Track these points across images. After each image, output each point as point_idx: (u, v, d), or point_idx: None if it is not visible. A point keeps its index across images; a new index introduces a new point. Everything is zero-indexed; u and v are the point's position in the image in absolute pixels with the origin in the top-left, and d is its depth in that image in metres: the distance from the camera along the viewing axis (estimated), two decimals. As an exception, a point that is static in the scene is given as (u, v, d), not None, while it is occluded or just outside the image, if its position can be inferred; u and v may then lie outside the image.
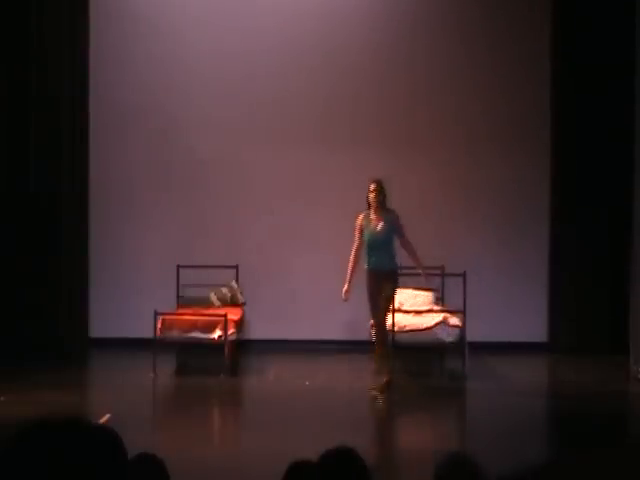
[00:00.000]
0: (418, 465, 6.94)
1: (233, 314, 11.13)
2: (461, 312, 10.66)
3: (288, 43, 12.28)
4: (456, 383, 10.50)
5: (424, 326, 10.61)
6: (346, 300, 9.86)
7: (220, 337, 10.60)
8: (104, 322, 12.16)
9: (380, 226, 9.81)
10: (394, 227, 9.85)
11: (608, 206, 11.91)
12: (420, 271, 10.10)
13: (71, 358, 11.49)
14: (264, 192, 12.35)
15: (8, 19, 11.54)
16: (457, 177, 12.34)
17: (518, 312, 12.25)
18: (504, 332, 12.07)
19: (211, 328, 10.66)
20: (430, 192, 12.34)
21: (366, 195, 9.87)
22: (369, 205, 9.89)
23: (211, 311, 11.22)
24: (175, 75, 12.32)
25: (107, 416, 8.23)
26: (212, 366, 10.56)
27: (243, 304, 11.90)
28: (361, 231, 9.88)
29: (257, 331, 12.18)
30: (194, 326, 10.71)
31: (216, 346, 10.56)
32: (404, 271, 11.28)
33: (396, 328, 10.51)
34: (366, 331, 11.44)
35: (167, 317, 10.81)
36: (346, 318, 11.87)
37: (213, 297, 11.69)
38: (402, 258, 11.95)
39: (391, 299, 9.93)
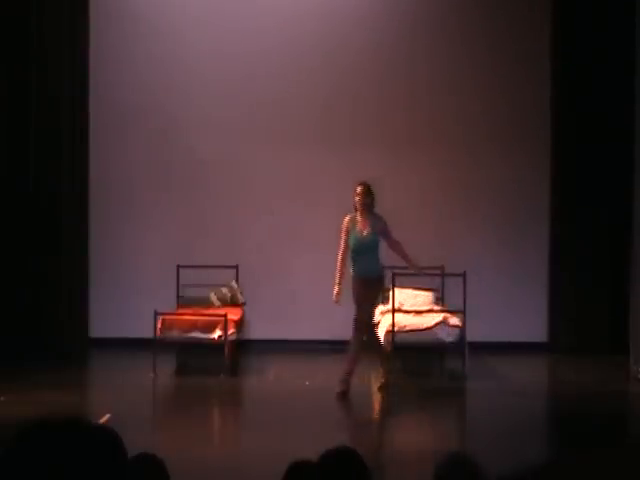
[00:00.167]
0: (418, 465, 6.94)
1: (233, 314, 11.13)
2: (461, 312, 10.65)
3: (288, 43, 12.28)
4: (456, 383, 10.49)
5: (424, 326, 10.61)
6: (337, 302, 9.79)
7: (220, 337, 10.60)
8: (104, 322, 12.16)
9: (366, 231, 9.69)
10: (381, 233, 9.72)
11: (608, 206, 11.91)
12: (416, 271, 10.05)
13: (71, 358, 11.48)
14: (264, 192, 12.35)
15: (8, 19, 11.54)
16: (457, 177, 12.34)
17: (518, 312, 12.25)
18: (504, 332, 12.07)
19: (211, 328, 10.66)
20: (430, 192, 12.34)
21: (352, 198, 9.76)
22: (356, 208, 9.76)
23: (211, 311, 11.22)
24: (175, 75, 12.33)
25: (107, 416, 8.23)
26: (212, 366, 10.56)
27: (243, 304, 11.90)
28: (347, 233, 9.77)
29: (257, 331, 12.18)
30: (194, 326, 10.71)
31: (216, 346, 10.56)
32: (404, 271, 11.30)
33: (396, 328, 10.51)
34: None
35: (167, 317, 10.81)
36: (346, 318, 11.83)
37: (213, 297, 11.69)
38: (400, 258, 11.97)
39: (370, 305, 9.80)
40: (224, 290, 11.82)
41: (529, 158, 12.29)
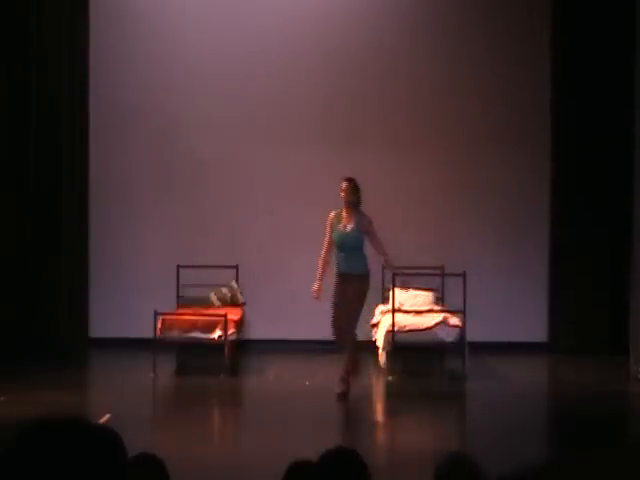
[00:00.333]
0: (418, 465, 6.94)
1: (233, 314, 11.13)
2: (461, 312, 10.66)
3: (288, 43, 12.28)
4: (456, 383, 10.50)
5: (424, 326, 10.61)
6: (317, 298, 9.61)
7: (220, 337, 10.60)
8: (104, 322, 12.16)
9: (349, 228, 9.56)
10: (365, 231, 9.54)
11: (607, 208, 11.92)
12: (391, 270, 9.86)
13: (71, 358, 11.48)
14: (264, 192, 12.35)
15: (8, 19, 11.54)
16: (458, 177, 12.34)
17: (518, 312, 12.25)
18: (504, 332, 12.07)
19: (211, 328, 10.66)
20: (430, 192, 12.34)
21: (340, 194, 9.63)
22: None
23: (211, 311, 11.22)
24: (175, 75, 12.33)
25: (107, 416, 8.23)
26: (212, 366, 10.56)
27: (243, 304, 11.90)
28: (331, 229, 9.63)
29: (257, 331, 12.18)
30: (194, 326, 10.71)
31: (216, 346, 10.56)
32: (404, 271, 11.31)
33: (396, 328, 10.51)
34: (366, 331, 11.46)
35: (167, 317, 10.81)
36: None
37: (213, 297, 11.69)
38: (401, 258, 11.99)
39: (359, 305, 9.56)
40: (224, 290, 11.82)
41: (529, 160, 12.29)
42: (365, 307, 11.62)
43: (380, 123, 12.31)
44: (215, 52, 12.30)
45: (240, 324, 11.43)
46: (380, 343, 10.75)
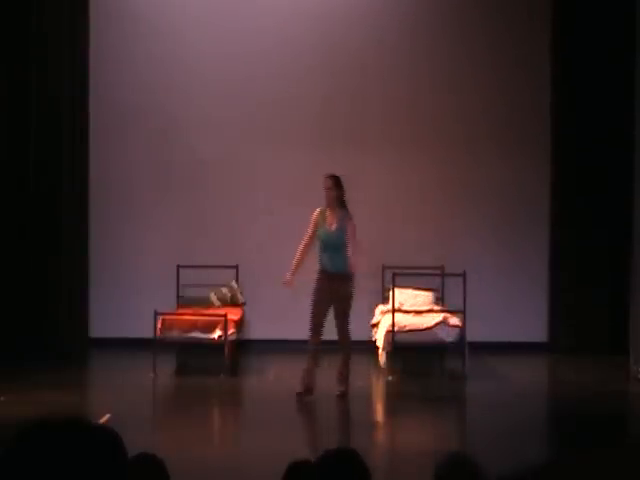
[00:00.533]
0: (418, 465, 6.94)
1: (233, 314, 11.13)
2: (461, 312, 10.66)
3: (288, 43, 12.28)
4: (456, 383, 10.50)
5: (424, 326, 10.61)
6: (287, 285, 9.52)
7: (220, 337, 10.60)
8: (104, 322, 12.16)
9: (334, 226, 9.42)
10: (345, 230, 9.39)
11: (607, 209, 11.92)
12: (353, 270, 9.44)
13: (71, 358, 11.48)
14: (264, 192, 12.35)
15: (8, 19, 11.54)
16: (458, 177, 12.34)
17: (518, 312, 12.25)
18: (504, 332, 12.07)
19: (211, 328, 10.66)
20: (430, 191, 12.34)
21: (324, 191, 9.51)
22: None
23: (211, 311, 11.22)
24: (175, 75, 12.33)
25: (107, 416, 8.23)
26: (212, 366, 10.56)
27: (243, 304, 11.90)
28: (315, 226, 9.49)
29: (257, 331, 12.18)
30: (194, 326, 10.71)
31: (216, 346, 10.56)
32: (404, 271, 11.32)
33: (396, 328, 10.51)
34: (366, 331, 11.46)
35: (167, 317, 10.81)
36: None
37: (213, 297, 11.69)
38: (401, 257, 12.00)
39: (346, 305, 9.39)
40: (224, 290, 11.82)
41: (530, 161, 12.30)
42: (365, 307, 11.67)
43: (380, 122, 12.31)
44: (215, 52, 12.30)
45: (240, 324, 11.43)
46: (380, 343, 10.75)
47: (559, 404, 9.89)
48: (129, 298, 12.18)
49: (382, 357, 10.73)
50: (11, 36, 11.54)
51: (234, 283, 11.99)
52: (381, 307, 11.54)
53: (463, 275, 10.70)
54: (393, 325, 10.53)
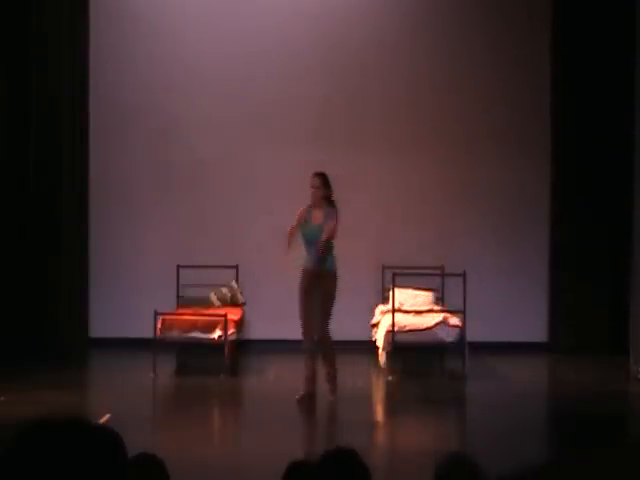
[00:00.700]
0: (418, 465, 6.94)
1: (233, 314, 11.13)
2: (461, 312, 10.66)
3: (288, 43, 12.28)
4: (456, 383, 10.50)
5: (424, 326, 10.61)
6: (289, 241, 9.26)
7: (220, 337, 10.60)
8: (104, 322, 12.16)
9: (318, 224, 9.27)
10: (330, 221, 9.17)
11: (607, 209, 11.93)
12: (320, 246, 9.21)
13: (71, 358, 11.48)
14: (264, 192, 12.35)
15: (8, 19, 11.54)
16: (458, 177, 12.34)
17: (518, 312, 12.25)
18: (504, 332, 12.07)
19: (211, 328, 10.66)
20: (430, 191, 12.34)
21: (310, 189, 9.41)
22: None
23: (211, 311, 11.22)
24: (175, 75, 12.32)
25: (107, 416, 8.22)
26: (212, 366, 10.56)
27: (243, 304, 11.90)
28: (300, 220, 9.31)
29: (257, 331, 12.18)
30: (194, 326, 10.71)
31: (216, 346, 10.56)
32: (404, 271, 11.32)
33: (396, 328, 10.52)
34: (366, 331, 11.46)
35: (167, 317, 10.81)
36: (346, 318, 11.85)
37: (213, 297, 11.69)
38: (401, 257, 12.00)
39: (328, 304, 9.26)
40: (224, 290, 11.81)
41: (530, 161, 12.30)
42: (365, 307, 11.67)
43: (380, 122, 12.31)
44: (215, 52, 12.30)
45: (240, 324, 11.43)
46: (380, 343, 10.75)
47: (559, 404, 9.89)
48: (129, 298, 12.18)
49: (382, 357, 10.73)
50: (11, 36, 11.54)
51: (234, 283, 11.99)
52: (381, 307, 11.54)
53: (463, 275, 10.70)
54: (393, 325, 10.53)
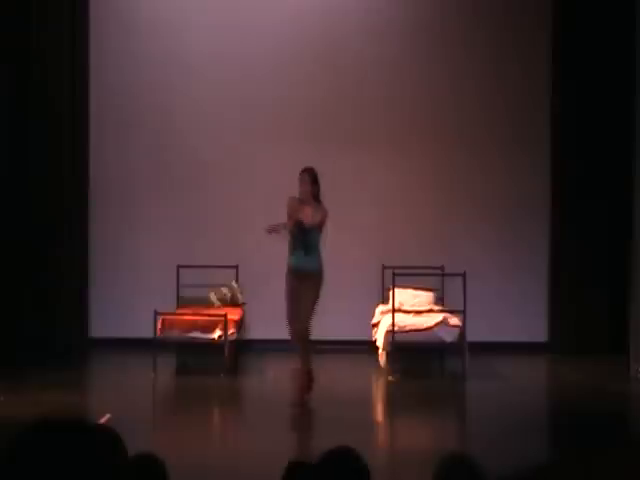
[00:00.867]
0: (418, 465, 6.94)
1: (233, 314, 11.13)
2: (461, 312, 10.66)
3: (288, 43, 12.28)
4: (456, 383, 10.50)
5: (424, 326, 10.61)
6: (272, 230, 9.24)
7: (220, 337, 10.60)
8: (104, 322, 12.15)
9: (307, 221, 9.17)
10: (318, 225, 9.15)
11: (607, 210, 11.92)
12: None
13: (71, 358, 11.48)
14: (264, 192, 12.34)
15: (8, 19, 11.53)
16: (458, 177, 12.33)
17: (518, 312, 12.24)
18: (504, 332, 12.06)
19: (211, 328, 10.66)
20: (430, 192, 12.33)
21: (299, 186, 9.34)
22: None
23: (211, 311, 11.21)
24: (175, 75, 12.32)
25: (107, 416, 8.22)
26: (212, 366, 10.56)
27: (243, 304, 11.90)
28: (292, 215, 9.20)
29: (257, 331, 12.17)
30: (194, 326, 10.71)
31: (216, 346, 10.56)
32: (404, 271, 11.31)
33: (396, 328, 10.51)
34: (366, 331, 11.46)
35: (167, 317, 10.81)
36: (346, 318, 11.87)
37: (213, 297, 11.69)
38: (401, 257, 11.99)
39: (311, 303, 9.18)
40: (224, 290, 11.81)
41: (530, 161, 12.30)
42: (365, 307, 11.66)
43: (380, 123, 12.30)
44: (215, 52, 12.29)
45: (240, 324, 11.43)
46: (380, 343, 10.75)
47: (559, 404, 9.89)
48: (129, 298, 12.17)
49: (382, 357, 10.73)
50: (11, 36, 11.53)
51: (234, 283, 11.98)
52: (381, 307, 11.53)
53: (463, 275, 10.70)
54: (393, 325, 10.53)
